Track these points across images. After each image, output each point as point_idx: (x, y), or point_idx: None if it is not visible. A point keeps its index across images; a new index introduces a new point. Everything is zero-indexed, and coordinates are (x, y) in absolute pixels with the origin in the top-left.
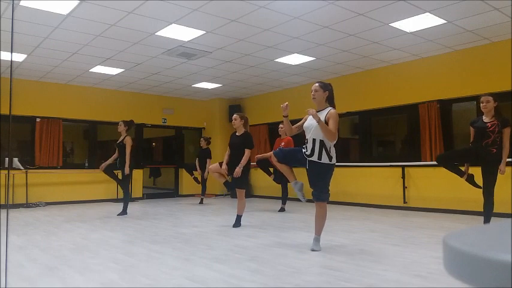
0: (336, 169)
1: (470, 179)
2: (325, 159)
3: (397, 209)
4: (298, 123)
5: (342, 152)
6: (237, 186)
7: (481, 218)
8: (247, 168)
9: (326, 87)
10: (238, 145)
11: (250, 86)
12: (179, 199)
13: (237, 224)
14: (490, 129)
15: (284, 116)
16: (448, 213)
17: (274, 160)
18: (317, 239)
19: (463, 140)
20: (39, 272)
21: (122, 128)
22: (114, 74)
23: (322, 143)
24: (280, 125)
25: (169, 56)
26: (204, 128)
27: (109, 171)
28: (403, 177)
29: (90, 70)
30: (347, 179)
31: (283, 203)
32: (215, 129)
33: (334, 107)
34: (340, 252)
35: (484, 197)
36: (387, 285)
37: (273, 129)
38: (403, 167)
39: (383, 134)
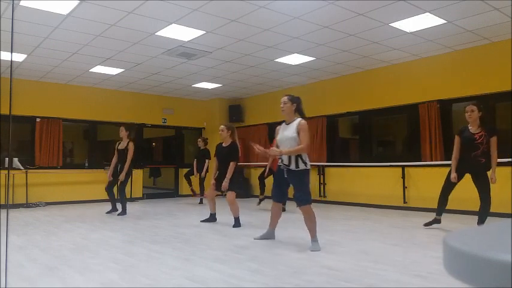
0: (336, 169)
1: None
2: (302, 166)
3: (397, 209)
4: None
5: (342, 152)
6: (228, 189)
7: None
8: (236, 172)
9: (294, 99)
10: (224, 156)
11: (250, 86)
12: (179, 199)
13: (237, 224)
14: (478, 140)
15: (269, 156)
16: (448, 213)
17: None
18: (315, 241)
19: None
20: (39, 272)
21: (123, 133)
22: (114, 74)
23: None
24: (278, 127)
25: (169, 56)
26: (204, 128)
27: (111, 189)
28: (403, 177)
29: (90, 70)
30: (347, 179)
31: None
32: (215, 129)
33: (303, 116)
34: (340, 252)
35: (482, 202)
36: (387, 285)
37: (272, 129)
38: (403, 167)
39: (383, 134)
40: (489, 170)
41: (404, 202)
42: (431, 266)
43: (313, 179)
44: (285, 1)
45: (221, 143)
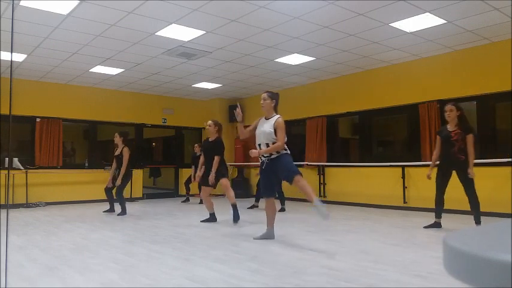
0: (336, 169)
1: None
2: (282, 151)
3: (397, 209)
4: (250, 128)
5: (342, 152)
6: (203, 183)
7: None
8: (221, 165)
9: (273, 96)
10: (209, 151)
11: (250, 86)
12: (179, 199)
13: (236, 216)
14: (454, 138)
15: (239, 122)
16: (448, 213)
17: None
18: (316, 205)
19: None
20: (39, 272)
21: (118, 139)
22: (114, 74)
23: (274, 143)
24: (257, 120)
25: (169, 56)
26: (204, 128)
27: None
28: (403, 177)
29: (90, 70)
30: (347, 179)
31: (283, 204)
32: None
33: (277, 112)
34: (340, 252)
35: (469, 199)
36: (387, 285)
37: None
38: (403, 167)
39: (383, 134)
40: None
41: (404, 202)
42: (431, 266)
43: (313, 179)
44: (285, 1)
45: (207, 139)
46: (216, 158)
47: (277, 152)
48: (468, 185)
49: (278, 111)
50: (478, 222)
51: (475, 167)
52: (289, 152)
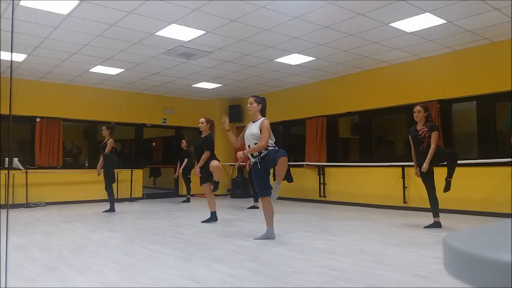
0: (336, 169)
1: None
2: (269, 148)
3: (397, 209)
4: (241, 135)
5: (342, 152)
6: (200, 183)
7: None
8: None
9: (259, 100)
10: (200, 146)
11: (250, 86)
12: (179, 199)
13: (211, 219)
14: (421, 136)
15: (227, 131)
16: (448, 213)
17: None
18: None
19: (463, 140)
20: (39, 272)
21: (105, 132)
22: (114, 74)
23: None
24: (247, 125)
25: (169, 56)
26: None
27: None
28: (403, 177)
29: (90, 70)
30: (347, 179)
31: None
32: (215, 129)
33: (264, 116)
34: (340, 252)
35: (428, 194)
36: (387, 285)
37: (272, 129)
38: (403, 167)
39: (383, 134)
40: (438, 162)
41: (404, 202)
42: (431, 266)
43: (313, 178)
44: (285, 1)
45: (200, 134)
46: (205, 153)
47: (266, 150)
48: (425, 180)
49: (274, 113)
50: (435, 216)
51: (476, 167)
52: (276, 147)
